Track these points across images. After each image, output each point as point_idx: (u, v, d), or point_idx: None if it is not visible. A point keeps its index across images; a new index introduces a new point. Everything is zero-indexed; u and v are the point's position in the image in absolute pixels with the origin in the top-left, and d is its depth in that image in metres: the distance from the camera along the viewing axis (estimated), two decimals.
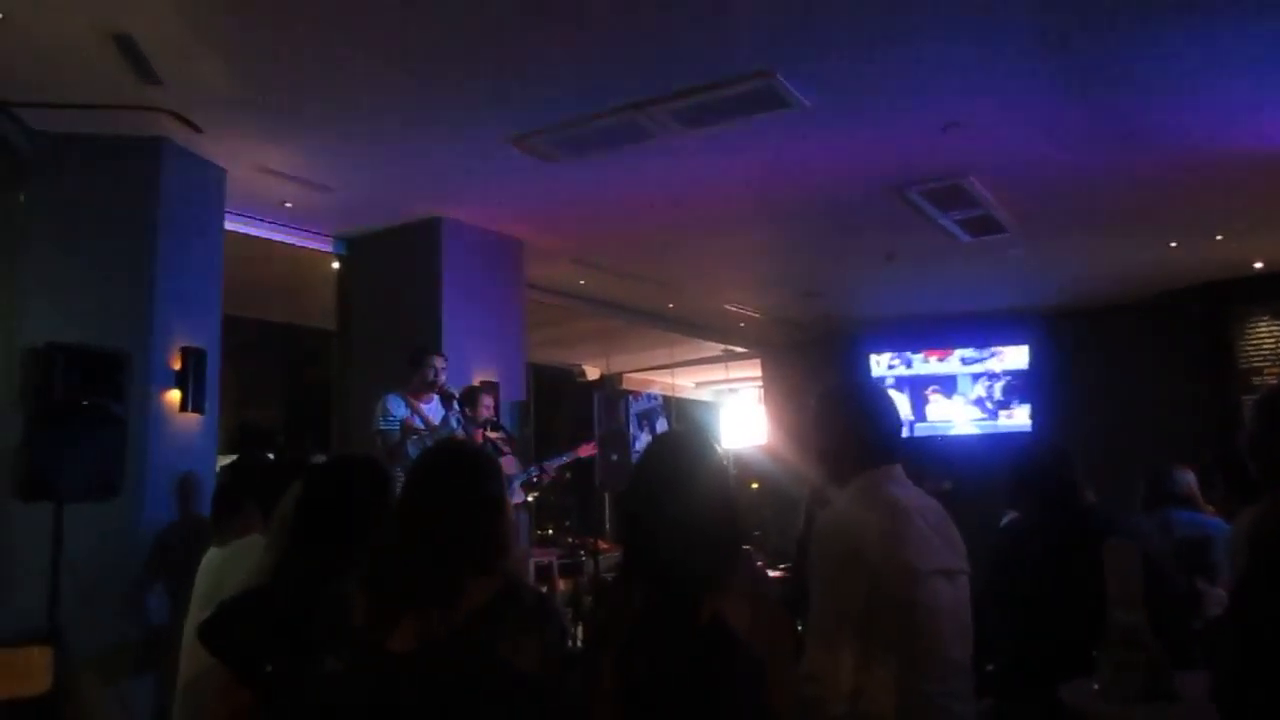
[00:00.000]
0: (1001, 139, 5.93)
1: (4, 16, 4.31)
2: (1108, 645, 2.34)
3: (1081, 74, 5.08)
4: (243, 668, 2.12)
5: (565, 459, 7.06)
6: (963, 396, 11.04)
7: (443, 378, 5.82)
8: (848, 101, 5.37)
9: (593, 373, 13.33)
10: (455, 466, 2.03)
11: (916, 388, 11.16)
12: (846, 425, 2.45)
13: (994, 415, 10.89)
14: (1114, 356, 10.47)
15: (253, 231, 7.11)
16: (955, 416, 11.00)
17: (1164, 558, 3.23)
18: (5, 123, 5.28)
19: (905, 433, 10.46)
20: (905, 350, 11.29)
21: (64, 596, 4.38)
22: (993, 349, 10.94)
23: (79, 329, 5.01)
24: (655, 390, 14.48)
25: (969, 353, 11.05)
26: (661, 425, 7.36)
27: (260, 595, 2.23)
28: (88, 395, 4.57)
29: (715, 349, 13.10)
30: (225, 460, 6.32)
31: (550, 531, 9.62)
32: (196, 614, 2.70)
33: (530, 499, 6.93)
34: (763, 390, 13.59)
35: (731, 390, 15.35)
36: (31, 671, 3.85)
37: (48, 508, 4.40)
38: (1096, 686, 2.38)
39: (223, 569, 2.77)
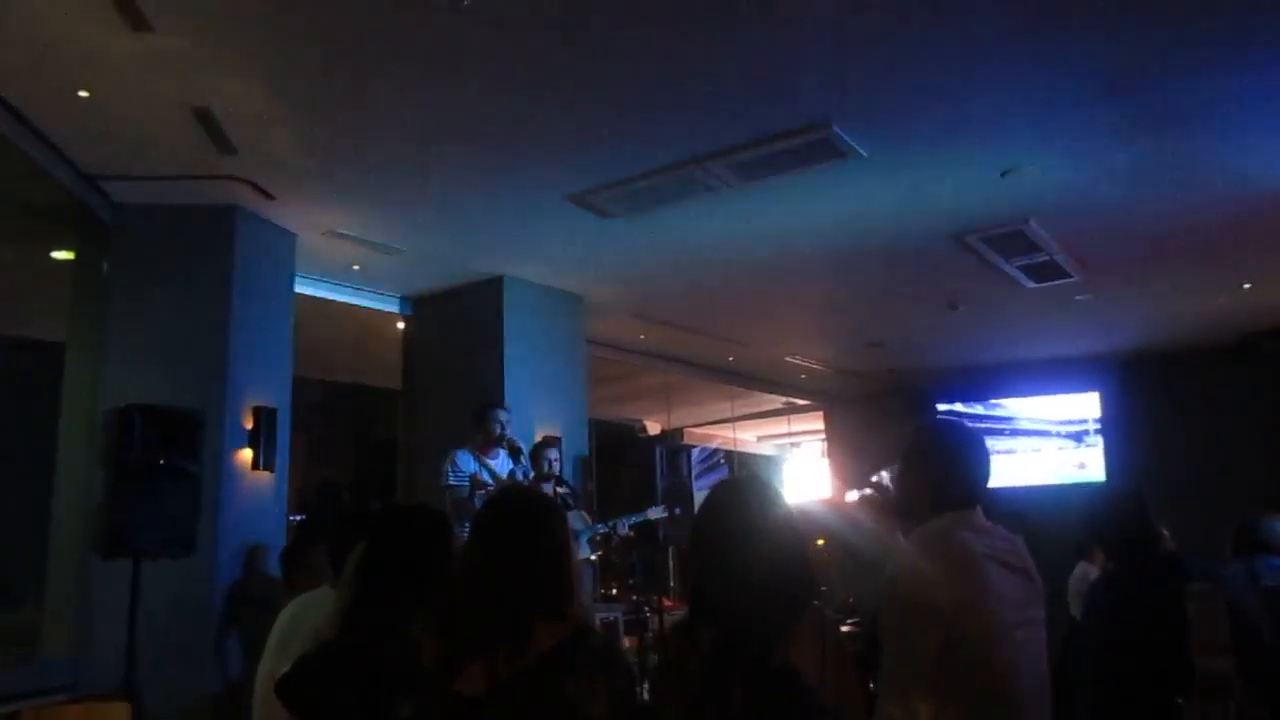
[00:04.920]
0: (1061, 183, 5.87)
1: (91, 95, 4.55)
2: (1193, 694, 2.25)
3: (1140, 116, 5.03)
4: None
5: (635, 519, 7.01)
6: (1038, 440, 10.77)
7: (509, 431, 5.88)
8: (904, 150, 5.38)
9: (654, 428, 13.33)
10: (520, 512, 2.05)
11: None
12: (920, 469, 2.39)
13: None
14: (1192, 402, 10.16)
15: (322, 293, 7.31)
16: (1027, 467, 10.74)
17: (1251, 605, 3.11)
18: (91, 195, 5.54)
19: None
20: (971, 400, 11.12)
21: (140, 651, 4.46)
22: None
23: (158, 390, 5.18)
24: (717, 444, 14.43)
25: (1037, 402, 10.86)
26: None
27: (334, 650, 2.25)
28: (165, 454, 4.70)
29: (777, 402, 13.02)
30: (293, 518, 6.44)
31: (614, 590, 9.55)
32: (268, 663, 2.75)
33: (594, 557, 6.90)
34: (826, 443, 13.45)
35: (794, 444, 15.23)
36: None
37: (126, 564, 4.52)
38: None
39: (294, 619, 2.81)
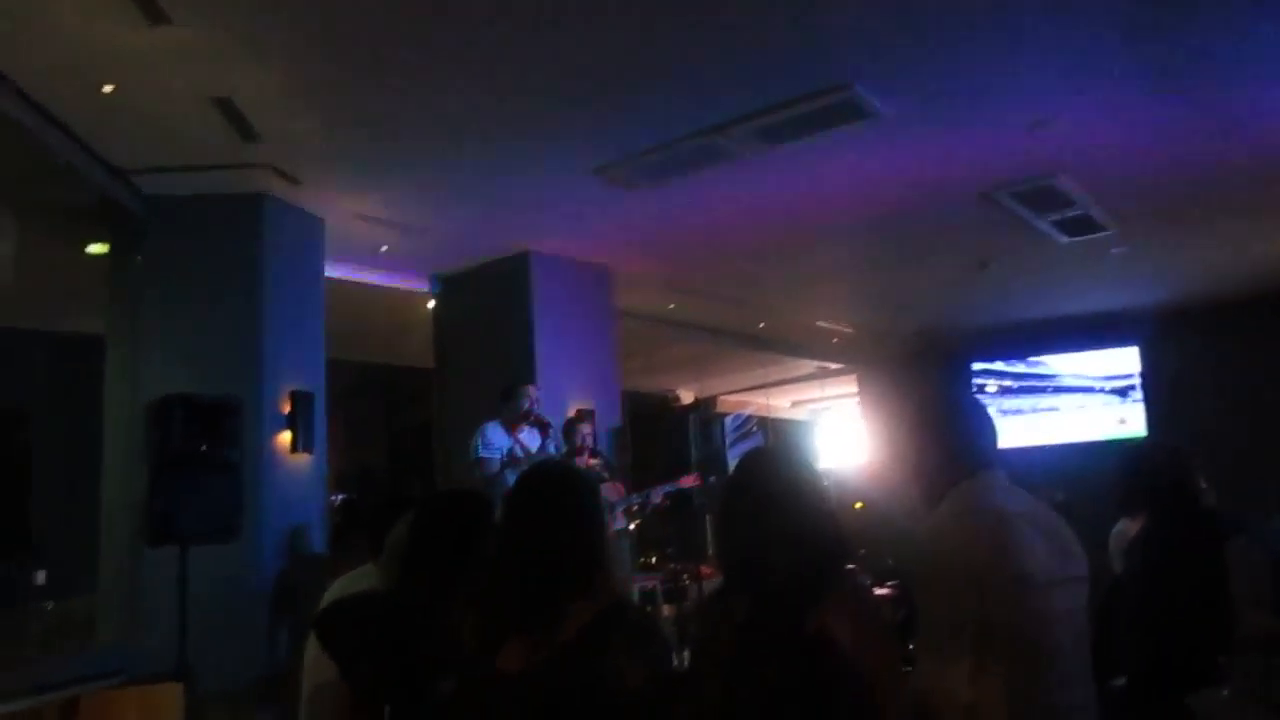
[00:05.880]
0: (1091, 134, 5.75)
1: (114, 89, 4.59)
2: (1238, 650, 2.23)
3: (1172, 63, 4.91)
4: (350, 665, 2.20)
5: (668, 488, 7.02)
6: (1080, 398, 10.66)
7: (538, 407, 5.91)
8: (927, 107, 5.29)
9: (687, 397, 13.32)
10: (551, 488, 2.07)
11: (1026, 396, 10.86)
12: (936, 437, 2.38)
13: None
14: (1236, 355, 9.93)
15: (352, 276, 7.36)
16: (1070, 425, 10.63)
17: None
18: (121, 189, 5.61)
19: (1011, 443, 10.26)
20: (1009, 359, 11.00)
21: (191, 634, 4.57)
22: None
23: (195, 379, 5.26)
24: (750, 411, 14.42)
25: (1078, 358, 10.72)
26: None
27: (373, 599, 2.32)
28: (206, 442, 4.80)
29: (809, 367, 12.97)
30: (334, 497, 6.53)
31: (653, 560, 9.61)
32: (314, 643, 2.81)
33: (631, 526, 6.93)
34: (861, 407, 13.38)
35: (828, 408, 15.15)
36: (164, 707, 4.03)
37: (174, 551, 4.61)
38: (1226, 693, 2.26)
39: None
